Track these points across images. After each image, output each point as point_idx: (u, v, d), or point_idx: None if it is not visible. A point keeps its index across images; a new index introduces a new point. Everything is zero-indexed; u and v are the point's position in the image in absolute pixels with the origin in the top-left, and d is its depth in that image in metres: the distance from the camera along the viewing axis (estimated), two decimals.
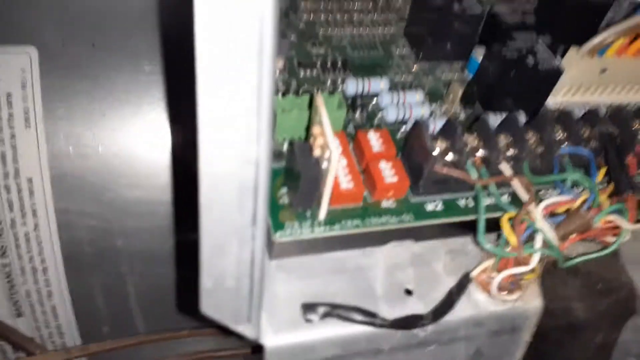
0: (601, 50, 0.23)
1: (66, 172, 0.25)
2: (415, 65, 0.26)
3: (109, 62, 0.26)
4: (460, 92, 0.24)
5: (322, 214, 0.19)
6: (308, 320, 0.17)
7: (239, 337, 0.16)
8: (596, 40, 0.22)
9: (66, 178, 0.25)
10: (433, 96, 0.25)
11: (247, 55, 0.11)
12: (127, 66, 0.26)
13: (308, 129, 0.20)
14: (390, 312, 0.18)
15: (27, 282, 0.26)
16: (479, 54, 0.25)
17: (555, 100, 0.25)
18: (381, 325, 0.17)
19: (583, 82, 0.24)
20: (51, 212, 0.26)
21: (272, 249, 0.18)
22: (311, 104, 0.20)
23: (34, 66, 0.25)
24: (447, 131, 0.20)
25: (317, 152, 0.18)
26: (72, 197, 0.26)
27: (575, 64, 0.23)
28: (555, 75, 0.22)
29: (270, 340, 0.17)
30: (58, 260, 0.26)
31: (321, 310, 0.17)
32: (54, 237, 0.26)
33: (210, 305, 0.15)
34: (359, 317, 0.17)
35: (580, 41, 0.23)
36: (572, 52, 0.23)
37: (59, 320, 0.28)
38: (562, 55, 0.24)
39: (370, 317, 0.17)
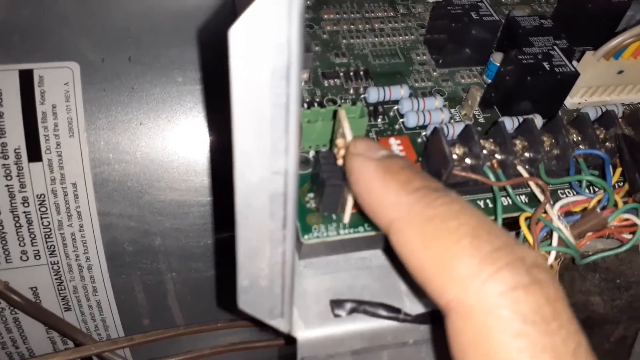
0: (617, 53, 0.23)
1: (107, 177, 0.27)
2: (435, 72, 0.26)
3: (144, 75, 0.27)
4: (478, 97, 0.24)
5: (347, 218, 0.19)
6: (336, 316, 0.18)
7: (274, 330, 0.18)
8: (611, 44, 0.23)
9: (107, 183, 0.27)
10: (452, 101, 0.25)
11: (276, 82, 0.13)
12: (160, 78, 0.27)
13: (333, 137, 0.21)
14: (414, 307, 0.19)
15: (74, 278, 0.28)
16: (497, 60, 0.25)
17: (573, 101, 0.25)
18: (405, 320, 0.18)
19: (600, 83, 0.25)
20: (94, 214, 0.27)
21: (301, 250, 0.20)
22: (335, 115, 0.20)
23: (76, 80, 0.26)
24: (465, 137, 0.20)
25: (340, 162, 0.18)
26: (113, 200, 0.27)
27: (592, 67, 0.24)
28: (570, 79, 0.23)
29: (302, 333, 0.18)
30: (101, 259, 0.28)
31: (348, 306, 0.18)
32: (97, 237, 0.28)
33: (246, 302, 0.17)
34: (384, 312, 0.18)
35: (597, 44, 0.24)
36: (588, 55, 0.24)
37: (103, 313, 0.29)
38: (579, 59, 0.25)
39: (394, 312, 0.18)
